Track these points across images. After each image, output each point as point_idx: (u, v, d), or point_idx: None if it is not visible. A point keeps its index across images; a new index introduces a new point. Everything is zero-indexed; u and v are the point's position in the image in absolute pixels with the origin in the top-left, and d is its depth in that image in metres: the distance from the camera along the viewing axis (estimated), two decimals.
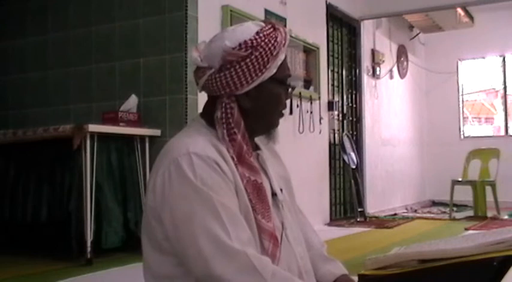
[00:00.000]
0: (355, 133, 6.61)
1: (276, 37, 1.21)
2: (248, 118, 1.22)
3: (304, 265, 1.27)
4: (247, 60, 1.18)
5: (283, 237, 1.23)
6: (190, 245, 1.08)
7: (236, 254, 1.06)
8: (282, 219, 1.26)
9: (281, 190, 1.31)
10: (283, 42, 1.22)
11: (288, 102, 1.33)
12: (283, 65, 1.25)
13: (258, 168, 1.21)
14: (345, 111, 6.40)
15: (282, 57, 1.23)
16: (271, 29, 1.22)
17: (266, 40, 1.20)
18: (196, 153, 1.13)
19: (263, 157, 1.30)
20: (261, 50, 1.19)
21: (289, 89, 1.30)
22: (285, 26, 5.05)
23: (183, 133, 1.25)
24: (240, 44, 1.19)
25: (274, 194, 1.27)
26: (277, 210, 1.26)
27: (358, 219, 5.99)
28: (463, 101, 8.86)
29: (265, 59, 1.19)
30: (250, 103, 1.22)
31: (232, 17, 4.25)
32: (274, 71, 1.21)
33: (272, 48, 1.20)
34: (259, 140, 1.35)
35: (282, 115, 1.32)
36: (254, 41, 1.19)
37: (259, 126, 1.26)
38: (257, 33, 1.20)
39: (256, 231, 1.16)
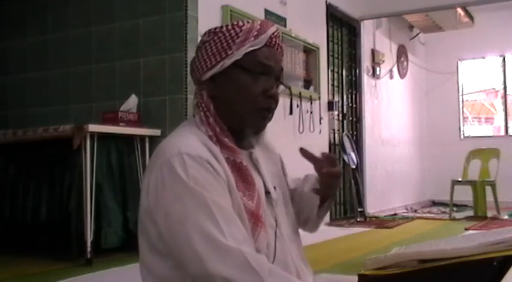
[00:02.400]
0: (355, 133, 6.62)
1: (242, 26, 1.23)
2: (217, 106, 1.22)
3: (300, 262, 1.27)
4: (207, 44, 1.23)
5: (277, 235, 1.23)
6: (185, 245, 1.08)
7: (232, 252, 1.06)
8: (275, 217, 1.26)
9: (274, 188, 1.30)
10: (255, 32, 1.22)
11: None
12: (257, 55, 1.22)
13: (235, 147, 1.21)
14: (345, 111, 6.41)
15: (251, 45, 1.21)
16: (242, 22, 1.24)
17: (229, 27, 1.23)
18: (188, 153, 1.12)
19: (256, 156, 1.29)
20: (221, 35, 1.22)
21: (275, 85, 1.25)
22: (285, 26, 5.06)
23: (175, 133, 1.25)
24: (206, 31, 1.26)
25: (267, 192, 1.27)
26: (271, 208, 1.26)
27: (358, 219, 5.99)
28: (463, 101, 8.87)
29: (225, 43, 1.21)
30: (216, 90, 1.23)
31: (232, 17, 4.25)
32: (239, 57, 1.20)
33: (234, 34, 1.21)
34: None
35: (261, 113, 1.24)
36: (218, 28, 1.24)
37: (229, 118, 1.22)
38: (227, 24, 1.25)
39: (249, 227, 1.16)
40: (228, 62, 1.20)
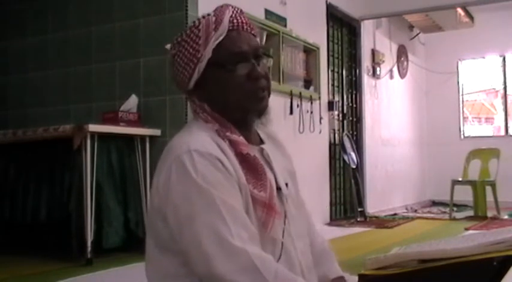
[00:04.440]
0: (355, 133, 6.62)
1: (198, 25, 1.21)
2: (212, 107, 1.23)
3: (306, 260, 1.27)
4: (176, 57, 1.23)
5: (285, 232, 1.22)
6: (192, 243, 1.08)
7: (238, 252, 1.06)
8: (285, 214, 1.25)
9: (286, 184, 1.29)
10: (213, 25, 1.20)
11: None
12: (225, 45, 1.20)
13: (239, 139, 1.20)
14: (345, 111, 6.40)
15: (215, 39, 1.19)
16: (198, 20, 1.22)
17: (188, 32, 1.22)
18: (198, 150, 1.13)
19: (267, 151, 1.28)
20: (184, 43, 1.22)
21: (255, 64, 1.21)
22: (285, 26, 5.05)
23: (185, 131, 1.25)
24: (171, 45, 1.26)
25: (278, 189, 1.26)
26: (281, 206, 1.25)
27: (358, 219, 5.99)
28: (463, 101, 8.86)
29: (191, 50, 1.20)
30: (204, 94, 1.24)
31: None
32: (210, 55, 1.19)
33: (194, 37, 1.20)
34: (263, 132, 1.34)
35: (255, 96, 1.22)
36: (179, 38, 1.23)
37: (228, 113, 1.22)
38: (185, 29, 1.24)
39: (262, 219, 1.16)
40: (202, 65, 1.20)
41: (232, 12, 1.23)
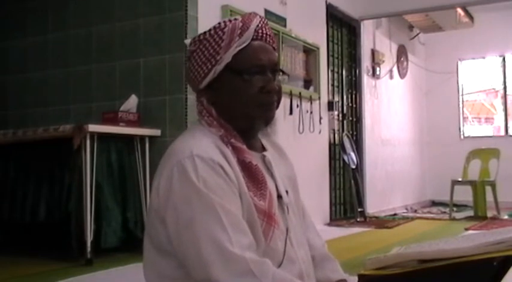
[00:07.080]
0: (355, 133, 6.61)
1: (224, 27, 1.20)
2: (219, 111, 1.23)
3: (306, 269, 1.27)
4: (195, 54, 1.23)
5: (287, 241, 1.22)
6: (191, 248, 1.09)
7: (235, 259, 1.06)
8: (286, 223, 1.25)
9: (287, 192, 1.29)
10: (238, 31, 1.20)
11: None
12: (247, 53, 1.20)
13: (242, 148, 1.20)
14: (345, 111, 6.40)
15: (238, 45, 1.19)
16: (224, 22, 1.22)
17: (212, 32, 1.21)
18: (200, 155, 1.13)
19: (269, 159, 1.28)
20: (205, 42, 1.21)
21: (271, 78, 1.22)
22: (285, 26, 5.05)
23: (188, 134, 1.24)
24: (191, 40, 1.25)
25: (279, 197, 1.26)
26: (282, 214, 1.25)
27: (358, 219, 5.99)
28: (463, 101, 8.86)
29: (211, 50, 1.20)
30: (215, 96, 1.23)
31: (232, 17, 4.24)
32: (229, 60, 1.19)
33: (218, 38, 1.20)
34: (263, 138, 1.34)
35: (264, 108, 1.22)
36: (202, 36, 1.23)
37: (234, 120, 1.22)
38: (210, 29, 1.23)
39: (262, 227, 1.16)
40: (219, 67, 1.20)
41: (259, 22, 1.24)
